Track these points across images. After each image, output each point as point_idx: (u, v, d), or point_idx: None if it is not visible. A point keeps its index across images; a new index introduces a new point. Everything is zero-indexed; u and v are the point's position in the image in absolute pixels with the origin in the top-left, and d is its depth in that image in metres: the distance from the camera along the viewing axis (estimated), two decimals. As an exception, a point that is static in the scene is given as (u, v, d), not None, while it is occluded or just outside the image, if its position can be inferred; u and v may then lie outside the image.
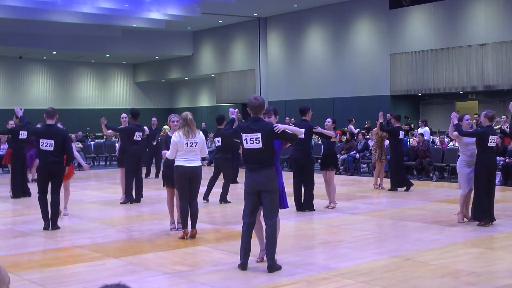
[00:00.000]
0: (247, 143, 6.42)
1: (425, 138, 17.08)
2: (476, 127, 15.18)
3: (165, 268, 6.70)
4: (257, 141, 6.35)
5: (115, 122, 14.61)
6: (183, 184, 8.12)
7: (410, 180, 13.88)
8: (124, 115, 12.45)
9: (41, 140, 8.92)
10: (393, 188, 13.51)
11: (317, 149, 17.50)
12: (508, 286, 5.92)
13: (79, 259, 7.23)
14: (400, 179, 13.56)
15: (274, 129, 6.37)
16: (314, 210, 10.66)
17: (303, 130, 7.05)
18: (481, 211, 8.89)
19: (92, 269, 6.76)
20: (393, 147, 13.70)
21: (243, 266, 6.49)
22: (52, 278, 6.33)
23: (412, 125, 21.13)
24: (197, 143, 8.02)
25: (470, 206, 9.25)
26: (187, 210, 8.13)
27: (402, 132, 13.75)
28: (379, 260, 6.96)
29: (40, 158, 9.13)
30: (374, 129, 14.47)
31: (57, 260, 7.24)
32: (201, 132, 8.21)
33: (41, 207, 9.13)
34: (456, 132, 9.06)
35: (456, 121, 9.05)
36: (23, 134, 13.01)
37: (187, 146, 7.98)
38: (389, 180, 14.36)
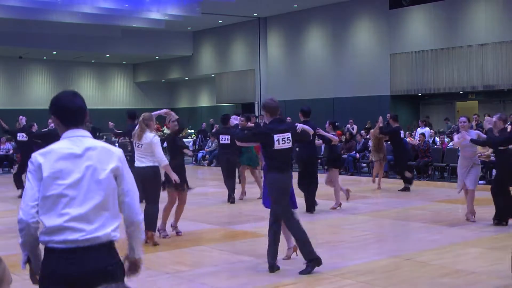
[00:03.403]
0: (279, 143, 6.31)
1: (425, 138, 17.10)
2: (476, 128, 15.18)
3: (165, 268, 6.71)
4: (288, 141, 6.37)
5: (115, 122, 14.72)
6: (138, 185, 8.03)
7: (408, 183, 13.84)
8: None
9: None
10: (406, 188, 13.49)
11: (318, 149, 17.48)
12: (508, 286, 5.92)
13: (79, 259, 7.22)
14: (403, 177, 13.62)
15: (296, 128, 6.49)
16: (315, 211, 10.66)
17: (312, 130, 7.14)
18: (508, 212, 8.83)
19: (92, 269, 6.75)
20: (396, 148, 13.70)
21: (273, 267, 6.44)
22: (52, 278, 6.32)
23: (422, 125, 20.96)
24: (142, 144, 7.83)
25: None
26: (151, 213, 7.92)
27: (402, 132, 13.77)
28: (379, 260, 6.96)
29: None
30: (372, 130, 14.47)
31: (57, 260, 7.23)
32: (152, 136, 7.84)
33: None
34: (457, 140, 9.09)
35: (468, 137, 8.93)
36: (21, 137, 13.03)
37: (136, 146, 7.98)
38: (388, 180, 14.39)
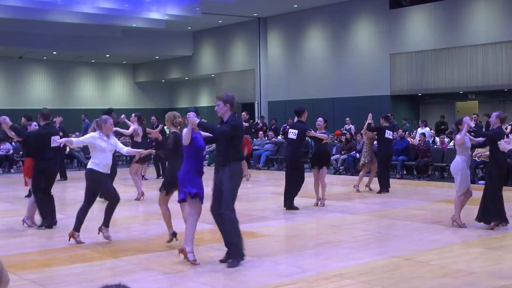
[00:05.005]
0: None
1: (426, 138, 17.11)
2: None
3: (165, 268, 6.70)
4: None
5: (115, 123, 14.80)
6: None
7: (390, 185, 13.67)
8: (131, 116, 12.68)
9: (53, 138, 9.19)
10: (382, 190, 13.30)
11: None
12: (508, 286, 5.92)
13: (79, 259, 7.23)
14: (382, 180, 13.49)
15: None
16: (298, 209, 10.72)
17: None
18: (496, 212, 8.81)
19: (92, 269, 6.76)
20: (380, 147, 13.66)
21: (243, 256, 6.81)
22: (52, 278, 6.33)
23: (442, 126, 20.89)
24: None
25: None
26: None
27: (389, 132, 13.62)
28: (379, 260, 6.96)
29: (50, 156, 9.22)
30: (363, 130, 14.42)
31: (57, 260, 7.24)
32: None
33: (45, 207, 9.19)
34: (459, 136, 9.01)
35: (471, 125, 8.95)
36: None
37: None
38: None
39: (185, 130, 6.71)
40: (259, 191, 13.00)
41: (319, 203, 11.15)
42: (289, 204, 10.83)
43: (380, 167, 13.51)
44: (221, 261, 6.85)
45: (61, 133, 12.13)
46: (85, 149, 21.52)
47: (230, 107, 6.75)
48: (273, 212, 10.72)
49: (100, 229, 8.10)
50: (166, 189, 7.73)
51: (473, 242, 8.02)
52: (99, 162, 7.94)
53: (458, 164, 9.15)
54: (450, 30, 21.38)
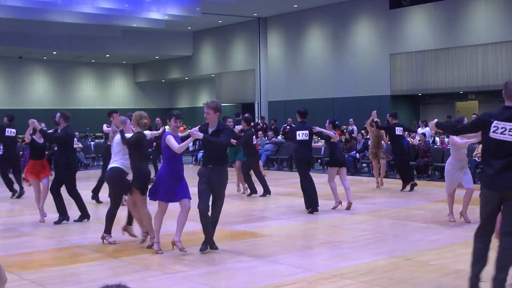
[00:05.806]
0: None
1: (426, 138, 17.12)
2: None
3: (165, 268, 6.70)
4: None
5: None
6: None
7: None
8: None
9: (75, 140, 9.99)
10: (412, 185, 13.51)
11: (318, 149, 17.48)
12: (508, 286, 5.92)
13: (79, 259, 7.23)
14: (403, 175, 13.65)
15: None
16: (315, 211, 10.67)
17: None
18: None
19: (92, 269, 6.76)
20: (392, 144, 13.90)
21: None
22: (52, 278, 6.33)
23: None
24: (111, 145, 8.38)
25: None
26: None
27: (399, 128, 13.81)
28: (379, 260, 6.96)
29: (73, 156, 9.85)
30: (367, 125, 14.57)
31: (57, 260, 7.24)
32: (117, 134, 8.15)
33: (79, 201, 9.81)
34: (460, 141, 9.04)
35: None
36: (10, 132, 13.36)
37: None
38: (388, 180, 14.39)
39: (170, 137, 7.08)
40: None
41: (337, 205, 10.97)
42: (314, 206, 10.57)
43: (400, 163, 13.80)
44: (202, 250, 7.37)
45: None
46: (86, 149, 21.54)
47: (219, 115, 7.40)
48: (273, 212, 10.73)
49: (103, 238, 8.04)
50: (129, 190, 7.85)
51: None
52: (124, 162, 7.97)
53: (447, 164, 9.28)
54: (450, 30, 21.37)
